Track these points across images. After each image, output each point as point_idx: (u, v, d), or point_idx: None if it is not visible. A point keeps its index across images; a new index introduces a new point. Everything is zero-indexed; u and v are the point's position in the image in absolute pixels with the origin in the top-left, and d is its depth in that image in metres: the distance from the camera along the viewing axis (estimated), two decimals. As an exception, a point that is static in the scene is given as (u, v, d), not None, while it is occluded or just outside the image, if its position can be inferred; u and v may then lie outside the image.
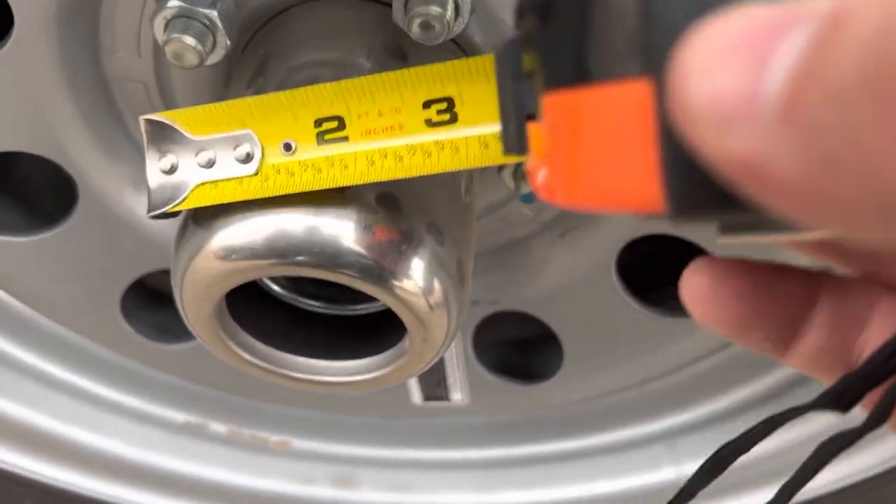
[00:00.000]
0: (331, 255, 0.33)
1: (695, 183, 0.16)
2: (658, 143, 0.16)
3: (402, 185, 0.33)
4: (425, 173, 0.30)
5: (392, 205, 0.34)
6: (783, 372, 0.51)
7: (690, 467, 0.23)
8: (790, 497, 0.23)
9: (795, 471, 0.22)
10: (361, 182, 0.30)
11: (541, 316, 0.52)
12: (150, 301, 0.57)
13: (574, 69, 0.18)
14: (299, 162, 0.31)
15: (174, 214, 0.34)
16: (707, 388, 0.54)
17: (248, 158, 0.31)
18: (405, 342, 0.39)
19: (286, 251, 0.33)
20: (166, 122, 0.32)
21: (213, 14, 0.37)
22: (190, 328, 0.38)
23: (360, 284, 0.34)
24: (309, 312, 0.45)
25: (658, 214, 0.17)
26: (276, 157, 0.31)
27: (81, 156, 0.47)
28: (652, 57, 0.16)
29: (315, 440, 0.61)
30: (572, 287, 0.50)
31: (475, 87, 0.29)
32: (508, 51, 0.23)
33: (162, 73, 0.44)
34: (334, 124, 0.30)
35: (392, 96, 0.29)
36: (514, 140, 0.23)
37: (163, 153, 0.32)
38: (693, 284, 0.21)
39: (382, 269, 0.33)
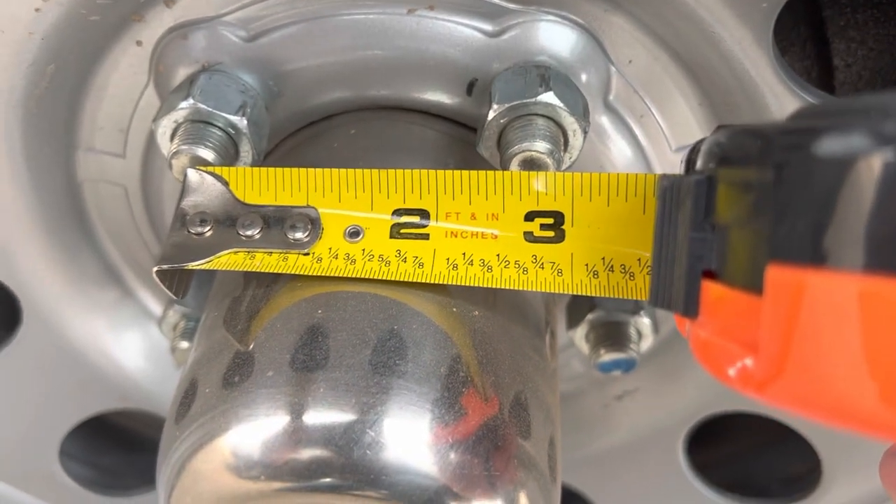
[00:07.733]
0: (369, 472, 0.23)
1: None
2: None
3: (479, 346, 0.25)
4: (518, 288, 0.25)
5: (466, 378, 0.25)
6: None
7: None
8: None
9: None
10: (438, 282, 0.25)
11: (580, 488, 0.45)
12: (101, 444, 0.46)
13: (815, 246, 0.15)
14: (364, 250, 0.26)
15: (183, 286, 0.27)
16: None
17: (300, 239, 0.26)
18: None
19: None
20: (215, 177, 0.27)
21: (242, 122, 0.28)
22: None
23: None
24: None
25: None
26: (337, 241, 0.26)
27: (31, 270, 0.37)
28: None
29: None
30: (625, 460, 0.42)
31: (591, 207, 0.25)
32: (694, 191, 0.19)
33: (151, 178, 0.35)
34: (415, 218, 0.26)
35: (492, 201, 0.25)
36: (677, 295, 0.19)
37: (196, 210, 0.27)
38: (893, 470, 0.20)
39: (453, 495, 0.23)
